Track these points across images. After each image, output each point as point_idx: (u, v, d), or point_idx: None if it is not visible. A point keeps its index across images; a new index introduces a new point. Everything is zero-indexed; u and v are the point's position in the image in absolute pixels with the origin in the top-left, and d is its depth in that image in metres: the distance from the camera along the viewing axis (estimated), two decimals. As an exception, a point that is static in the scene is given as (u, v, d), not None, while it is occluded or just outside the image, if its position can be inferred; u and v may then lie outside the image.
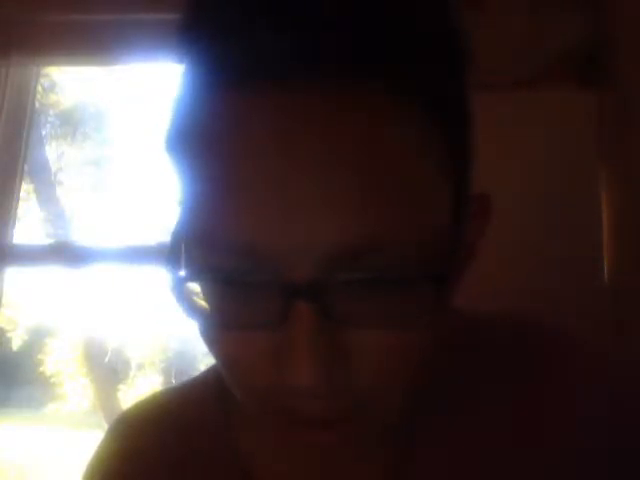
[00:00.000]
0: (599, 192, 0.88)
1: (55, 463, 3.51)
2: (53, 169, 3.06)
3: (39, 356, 3.44)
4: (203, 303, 0.32)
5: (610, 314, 0.83)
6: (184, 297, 0.32)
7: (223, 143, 0.30)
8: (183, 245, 0.33)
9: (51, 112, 3.26)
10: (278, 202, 0.28)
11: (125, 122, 3.49)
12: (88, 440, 3.30)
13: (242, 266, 0.30)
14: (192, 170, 0.32)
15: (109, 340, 3.16)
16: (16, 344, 3.38)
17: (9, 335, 3.32)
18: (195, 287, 0.32)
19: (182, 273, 0.33)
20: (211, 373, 0.47)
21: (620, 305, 0.84)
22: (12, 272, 1.26)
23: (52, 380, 3.44)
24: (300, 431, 0.33)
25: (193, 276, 0.32)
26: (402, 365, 0.32)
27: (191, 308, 0.32)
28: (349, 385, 0.31)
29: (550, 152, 0.89)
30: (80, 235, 3.23)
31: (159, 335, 3.71)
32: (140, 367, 3.65)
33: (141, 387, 3.53)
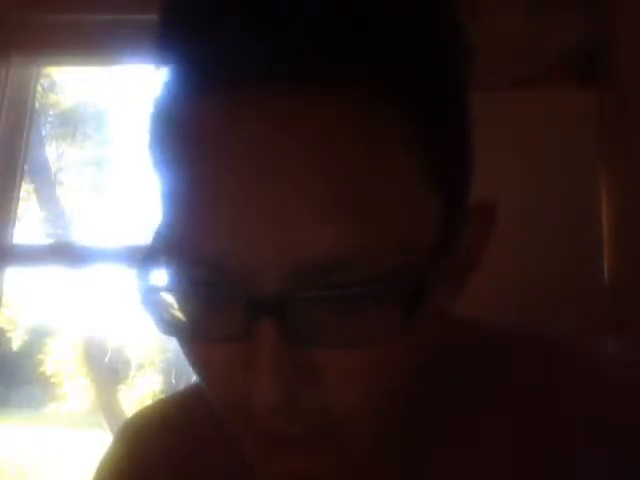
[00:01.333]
0: (599, 192, 0.88)
1: (55, 463, 3.51)
2: (53, 169, 3.06)
3: (39, 356, 3.44)
4: (177, 313, 0.32)
5: (610, 314, 0.83)
6: (154, 307, 0.32)
7: (196, 151, 0.29)
8: (159, 253, 0.32)
9: (51, 112, 3.26)
10: (247, 216, 0.28)
11: (125, 122, 3.49)
12: (88, 440, 3.30)
13: (211, 278, 0.29)
14: (166, 176, 0.31)
15: (109, 340, 3.17)
16: (16, 344, 3.39)
17: (9, 335, 3.33)
18: (170, 298, 0.32)
19: (153, 282, 0.32)
20: None
21: (620, 305, 0.84)
22: (12, 272, 1.26)
23: (52, 380, 3.44)
24: (271, 453, 0.32)
25: (166, 286, 0.32)
26: (371, 385, 0.30)
27: (160, 319, 0.32)
28: (314, 404, 0.30)
29: (550, 152, 0.89)
30: (80, 235, 3.23)
31: (159, 335, 3.72)
32: (140, 367, 3.65)
33: (141, 387, 3.53)
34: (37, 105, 1.37)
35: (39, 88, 1.38)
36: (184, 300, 0.31)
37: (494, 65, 0.87)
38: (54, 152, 3.26)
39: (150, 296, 0.32)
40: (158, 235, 0.33)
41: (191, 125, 0.29)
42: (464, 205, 0.33)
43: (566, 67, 0.92)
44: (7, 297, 1.25)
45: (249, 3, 0.28)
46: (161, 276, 0.32)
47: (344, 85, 0.27)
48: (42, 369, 3.44)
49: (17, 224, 1.22)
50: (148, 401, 3.45)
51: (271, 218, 0.27)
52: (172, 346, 3.78)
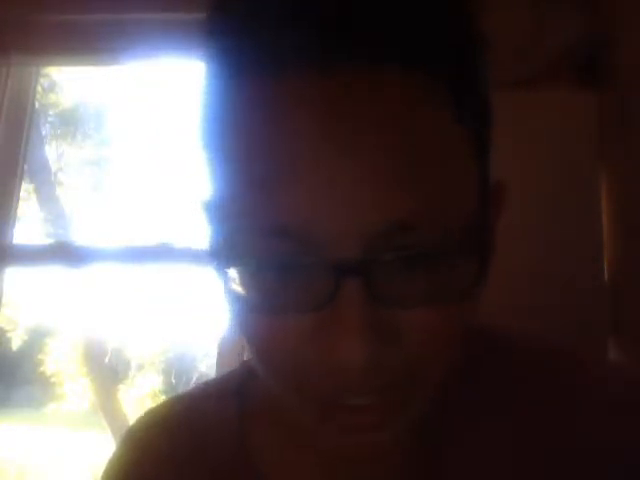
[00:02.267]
0: (599, 192, 0.88)
1: (55, 463, 3.51)
2: (53, 169, 3.06)
3: (39, 356, 3.44)
4: (241, 289, 0.33)
5: (610, 314, 0.83)
6: (227, 284, 0.33)
7: (268, 128, 0.31)
8: (226, 232, 0.33)
9: (51, 112, 3.26)
10: (325, 184, 0.29)
11: (125, 122, 3.48)
12: (88, 440, 3.30)
13: (289, 249, 0.31)
14: (235, 158, 0.32)
15: (109, 340, 3.16)
16: (16, 344, 3.38)
17: (9, 335, 3.32)
18: (233, 274, 0.33)
19: (226, 259, 0.33)
20: (223, 378, 0.48)
21: (620, 305, 0.84)
22: (12, 272, 1.26)
23: (52, 380, 3.44)
24: (338, 414, 0.33)
25: (237, 261, 0.32)
26: (446, 340, 0.32)
27: (233, 295, 0.33)
28: (393, 360, 0.31)
29: (550, 152, 0.89)
30: (80, 235, 3.23)
31: (159, 335, 3.71)
32: (140, 367, 3.65)
33: (141, 387, 3.53)
34: (37, 105, 1.37)
35: (39, 88, 1.38)
36: (258, 275, 0.32)
37: (495, 64, 0.87)
38: (54, 152, 3.26)
39: (225, 273, 0.33)
40: (224, 218, 0.34)
41: (260, 104, 0.31)
42: (489, 181, 0.36)
43: (566, 67, 0.92)
44: (7, 297, 1.25)
45: None
46: (235, 254, 0.32)
47: (413, 69, 0.30)
48: (42, 369, 3.44)
49: (17, 224, 1.22)
50: (148, 401, 3.45)
51: (353, 186, 0.29)
52: (172, 346, 3.77)
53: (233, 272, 0.32)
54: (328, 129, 0.30)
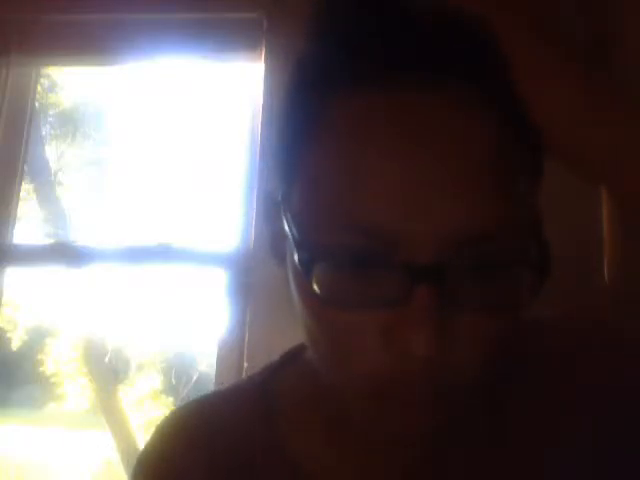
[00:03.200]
0: (599, 192, 0.88)
1: (55, 463, 3.51)
2: (53, 169, 3.06)
3: (39, 356, 3.44)
4: (320, 285, 0.35)
5: (610, 314, 0.83)
6: (308, 279, 0.35)
7: (358, 134, 0.34)
8: (310, 231, 0.35)
9: (51, 112, 3.26)
10: (409, 189, 0.32)
11: (125, 122, 3.49)
12: (88, 440, 3.30)
13: (370, 247, 0.33)
14: (325, 160, 0.35)
15: (109, 340, 3.17)
16: (16, 344, 3.38)
17: (9, 335, 3.32)
18: (316, 270, 0.35)
19: (309, 256, 0.35)
20: (256, 377, 0.49)
21: (620, 305, 0.84)
22: (12, 272, 1.26)
23: (52, 380, 3.44)
24: (391, 407, 0.35)
25: (320, 257, 0.34)
26: (494, 344, 0.35)
27: (310, 290, 0.35)
28: (451, 359, 0.33)
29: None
30: (80, 235, 3.24)
31: (159, 335, 3.72)
32: (140, 367, 3.65)
33: (141, 387, 3.53)
34: (37, 105, 1.37)
35: (39, 88, 1.38)
36: (338, 271, 0.34)
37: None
38: (54, 152, 3.26)
39: (309, 269, 0.35)
40: (308, 217, 0.36)
41: (351, 113, 0.34)
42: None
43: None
44: (7, 297, 1.25)
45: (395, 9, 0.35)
46: (317, 250, 0.35)
47: (475, 87, 0.34)
48: (42, 369, 3.44)
49: (17, 224, 1.22)
50: (148, 401, 3.46)
51: (432, 191, 0.32)
52: (172, 346, 3.78)
53: (316, 268, 0.34)
54: (419, 139, 0.32)
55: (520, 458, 0.41)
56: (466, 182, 0.32)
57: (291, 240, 0.36)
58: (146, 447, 0.49)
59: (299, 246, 0.35)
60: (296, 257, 0.35)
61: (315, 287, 0.35)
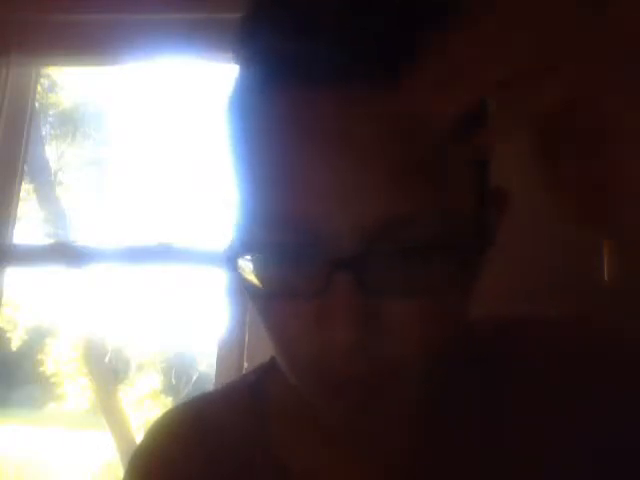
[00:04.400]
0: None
1: (55, 463, 3.51)
2: (53, 169, 3.06)
3: (39, 356, 3.44)
4: (254, 279, 0.36)
5: (610, 314, 0.83)
6: (239, 272, 0.36)
7: (283, 132, 0.34)
8: (241, 223, 0.37)
9: (51, 112, 3.26)
10: (324, 182, 0.33)
11: (125, 122, 3.49)
12: (88, 440, 3.30)
13: (292, 240, 0.34)
14: (254, 156, 0.36)
15: (109, 340, 3.17)
16: (16, 344, 3.39)
17: (9, 335, 3.32)
18: (247, 264, 0.36)
19: (241, 251, 0.37)
20: (248, 377, 0.50)
21: (620, 305, 0.84)
22: (12, 272, 1.26)
23: (52, 380, 3.44)
24: (333, 398, 0.36)
25: (249, 249, 0.36)
26: (429, 330, 0.35)
27: (248, 284, 0.36)
28: (380, 348, 0.34)
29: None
30: (80, 235, 3.23)
31: (159, 335, 3.71)
32: (140, 367, 3.65)
33: (141, 387, 3.53)
34: (37, 105, 1.37)
35: (39, 88, 1.38)
36: (267, 263, 0.36)
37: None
38: (54, 152, 3.26)
39: (236, 262, 0.36)
40: (242, 212, 0.37)
41: (279, 110, 0.34)
42: (488, 185, 0.39)
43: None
44: (7, 297, 1.25)
45: (342, 12, 0.33)
46: (248, 244, 0.36)
47: (402, 86, 0.33)
48: (42, 369, 3.44)
49: (17, 224, 1.22)
50: (148, 401, 3.46)
51: (348, 187, 0.33)
52: (172, 346, 3.78)
53: (247, 262, 0.36)
54: (336, 136, 0.33)
55: (517, 458, 0.41)
56: (381, 173, 0.32)
57: (231, 238, 0.38)
58: (140, 445, 0.49)
59: (236, 243, 0.37)
60: (235, 254, 0.36)
61: (246, 279, 0.36)
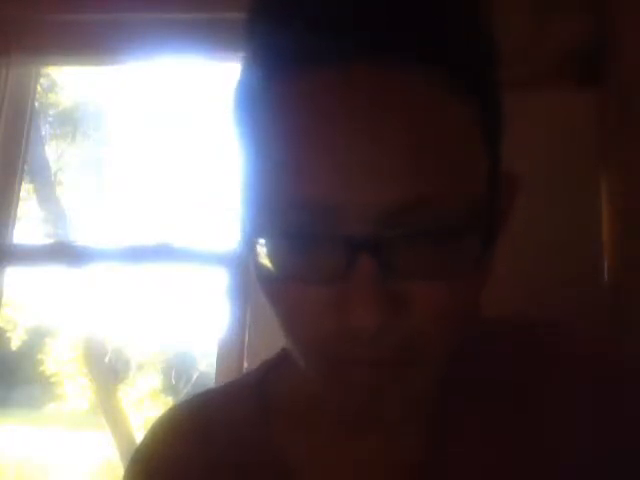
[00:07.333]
0: (599, 192, 0.88)
1: (55, 463, 3.51)
2: (53, 169, 3.06)
3: (39, 356, 3.44)
4: (269, 261, 0.36)
5: (610, 314, 0.83)
6: (254, 256, 0.36)
7: (296, 113, 0.34)
8: (254, 209, 0.36)
9: (51, 112, 3.26)
10: (345, 164, 0.32)
11: (125, 122, 3.49)
12: (88, 440, 3.30)
13: (311, 223, 0.33)
14: (266, 139, 0.35)
15: (109, 340, 3.16)
16: (16, 344, 3.38)
17: (9, 335, 3.32)
18: (262, 249, 0.36)
19: (255, 233, 0.36)
20: (252, 375, 0.49)
21: (620, 305, 0.84)
22: (12, 272, 1.26)
23: (52, 380, 3.44)
24: (349, 370, 0.35)
25: (264, 234, 0.35)
26: (450, 314, 0.34)
27: (261, 267, 0.36)
28: (402, 329, 0.33)
29: (550, 152, 0.89)
30: (80, 235, 3.23)
31: (159, 335, 3.71)
32: (140, 367, 3.65)
33: (141, 387, 3.53)
34: (37, 105, 1.37)
35: (39, 88, 1.38)
36: (283, 247, 0.35)
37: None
38: (54, 152, 3.26)
39: (252, 246, 0.36)
40: (253, 196, 0.36)
41: (289, 93, 0.34)
42: (500, 169, 0.39)
43: (566, 67, 0.92)
44: (7, 297, 1.25)
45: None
46: (262, 228, 0.35)
47: (431, 67, 0.33)
48: (42, 369, 3.44)
49: (17, 224, 1.22)
50: (148, 401, 3.46)
51: (369, 167, 0.32)
52: (172, 346, 3.78)
53: (262, 244, 0.35)
54: (352, 117, 0.32)
55: (528, 456, 0.41)
56: (400, 153, 0.32)
57: (242, 221, 0.37)
58: (141, 444, 0.49)
59: (244, 222, 0.36)
60: (248, 236, 0.36)
61: (262, 263, 0.35)
